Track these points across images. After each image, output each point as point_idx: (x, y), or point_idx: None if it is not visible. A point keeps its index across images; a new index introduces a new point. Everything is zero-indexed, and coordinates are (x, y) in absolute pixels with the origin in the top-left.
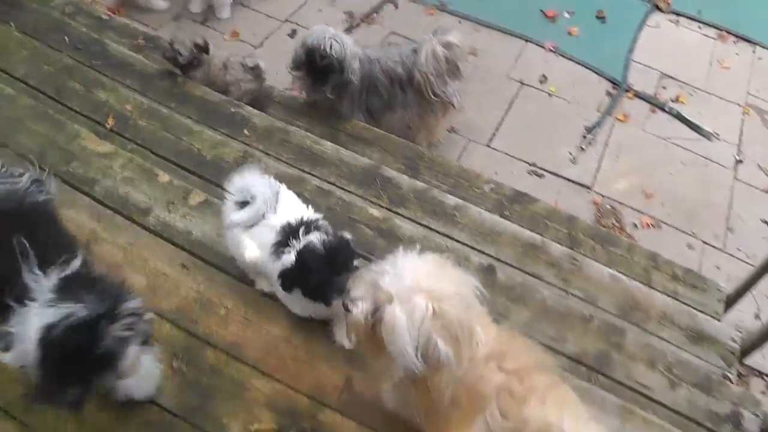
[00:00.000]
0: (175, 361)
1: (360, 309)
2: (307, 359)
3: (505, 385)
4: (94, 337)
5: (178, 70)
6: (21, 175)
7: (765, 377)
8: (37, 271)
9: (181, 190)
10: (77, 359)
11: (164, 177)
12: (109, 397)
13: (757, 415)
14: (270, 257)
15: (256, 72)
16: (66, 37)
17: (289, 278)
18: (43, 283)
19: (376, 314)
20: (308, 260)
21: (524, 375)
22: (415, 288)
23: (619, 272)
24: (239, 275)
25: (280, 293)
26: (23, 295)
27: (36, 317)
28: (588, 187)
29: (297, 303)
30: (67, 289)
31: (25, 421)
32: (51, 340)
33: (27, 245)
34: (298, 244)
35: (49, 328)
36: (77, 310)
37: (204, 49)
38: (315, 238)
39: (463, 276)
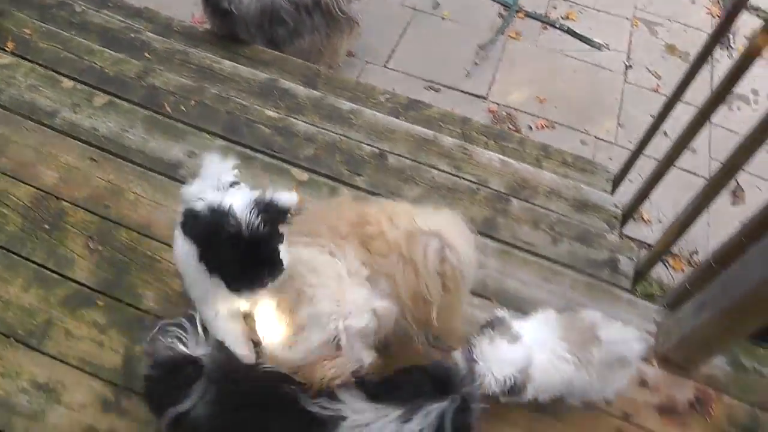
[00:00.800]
0: (91, 242)
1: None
2: None
3: (361, 239)
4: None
5: None
6: None
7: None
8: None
9: (84, 93)
10: None
11: (68, 83)
12: None
13: (632, 259)
14: None
15: None
16: None
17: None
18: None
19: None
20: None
21: (362, 221)
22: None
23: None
24: (146, 164)
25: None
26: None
27: None
28: (483, 98)
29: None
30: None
31: None
32: None
33: None
34: None
35: None
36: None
37: None
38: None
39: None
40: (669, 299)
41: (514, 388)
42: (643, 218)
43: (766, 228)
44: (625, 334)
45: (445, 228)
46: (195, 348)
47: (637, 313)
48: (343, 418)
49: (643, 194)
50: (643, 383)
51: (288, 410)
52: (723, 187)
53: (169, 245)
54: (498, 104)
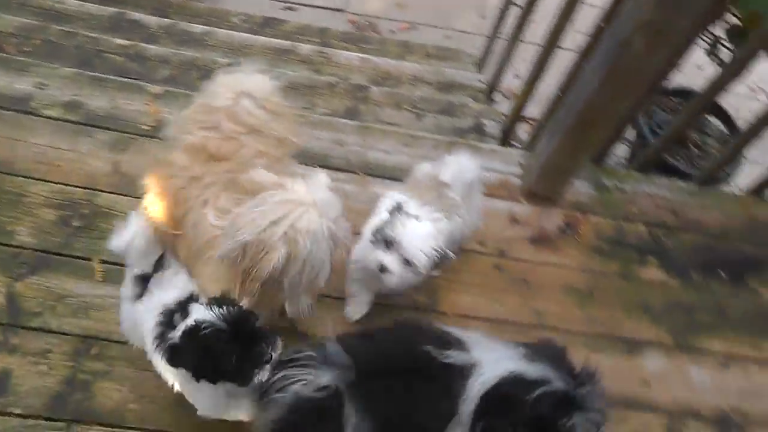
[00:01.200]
0: None
1: None
2: (75, 158)
3: (213, 160)
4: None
5: None
6: None
7: (529, 121)
8: None
9: None
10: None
11: None
12: None
13: (498, 121)
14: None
15: None
16: None
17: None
18: None
19: None
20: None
21: (197, 151)
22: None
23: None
24: None
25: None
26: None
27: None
28: (341, 10)
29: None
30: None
31: None
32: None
33: None
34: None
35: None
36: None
37: None
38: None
39: None
40: (529, 142)
41: (446, 256)
42: (516, 96)
43: (594, 48)
44: (460, 163)
45: (240, 84)
46: (324, 374)
47: (501, 159)
48: (476, 364)
49: (503, 63)
50: (513, 220)
51: (430, 370)
52: (553, 47)
53: (35, 178)
54: (357, 14)
